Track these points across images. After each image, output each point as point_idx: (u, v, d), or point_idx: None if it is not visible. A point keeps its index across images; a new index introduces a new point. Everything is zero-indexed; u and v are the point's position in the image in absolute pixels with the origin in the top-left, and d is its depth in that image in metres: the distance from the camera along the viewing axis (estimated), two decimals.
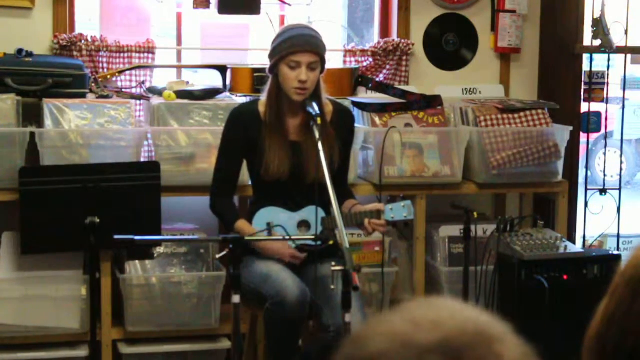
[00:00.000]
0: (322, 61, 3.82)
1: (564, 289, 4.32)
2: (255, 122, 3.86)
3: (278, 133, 3.84)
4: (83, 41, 4.61)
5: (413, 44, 5.05)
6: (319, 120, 3.67)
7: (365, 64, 4.99)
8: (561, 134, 4.80)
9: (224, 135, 3.94)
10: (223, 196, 3.94)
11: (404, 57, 5.02)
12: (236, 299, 3.34)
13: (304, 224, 3.89)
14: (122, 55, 4.68)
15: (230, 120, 3.94)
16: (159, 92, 4.50)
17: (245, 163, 3.98)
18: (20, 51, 4.39)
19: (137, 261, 4.37)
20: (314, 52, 3.77)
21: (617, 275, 1.24)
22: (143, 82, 4.69)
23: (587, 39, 5.11)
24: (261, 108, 3.89)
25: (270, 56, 3.84)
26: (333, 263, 3.26)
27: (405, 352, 0.93)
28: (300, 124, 3.85)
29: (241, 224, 3.87)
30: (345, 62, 5.00)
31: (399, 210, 3.79)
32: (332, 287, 3.32)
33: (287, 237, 3.70)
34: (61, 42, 4.58)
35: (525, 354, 0.99)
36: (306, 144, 3.80)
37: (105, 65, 4.67)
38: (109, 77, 4.65)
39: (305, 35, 3.81)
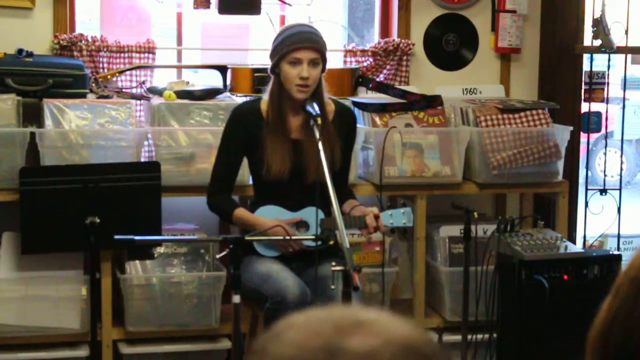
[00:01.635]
0: (324, 59, 3.82)
1: (564, 289, 4.32)
2: (257, 120, 3.86)
3: (279, 132, 3.84)
4: (83, 41, 4.61)
5: (413, 44, 5.05)
6: (319, 120, 3.67)
7: (365, 64, 4.99)
8: (561, 134, 4.80)
9: (225, 132, 3.94)
10: (220, 193, 3.94)
11: (404, 57, 5.02)
12: (236, 298, 3.34)
13: (302, 225, 3.89)
14: (122, 55, 4.68)
15: (232, 117, 3.94)
16: (159, 92, 4.50)
17: (245, 162, 3.98)
18: (20, 51, 4.39)
19: (137, 261, 4.37)
20: (314, 48, 3.77)
21: (621, 275, 1.24)
22: (143, 82, 4.69)
23: (588, 39, 5.11)
24: (263, 106, 3.89)
25: (271, 55, 3.84)
26: (333, 263, 3.26)
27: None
28: (301, 123, 3.85)
29: (240, 211, 3.87)
30: (345, 62, 5.00)
31: (398, 217, 3.80)
32: (333, 287, 3.31)
33: (287, 237, 3.70)
34: (61, 42, 4.58)
35: (402, 323, 0.99)
36: (307, 143, 3.80)
37: (105, 65, 4.67)
38: (109, 77, 4.65)
39: (305, 32, 3.81)
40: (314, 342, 0.97)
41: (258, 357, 0.99)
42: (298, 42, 3.77)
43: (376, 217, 3.74)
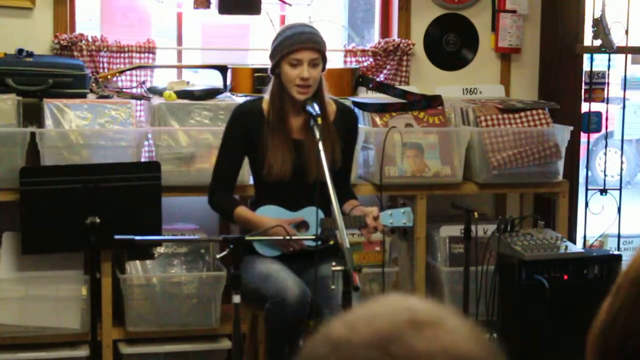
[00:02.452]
0: (324, 58, 3.82)
1: (564, 289, 4.32)
2: (258, 120, 3.86)
3: (281, 133, 3.84)
4: (83, 41, 4.61)
5: (413, 44, 5.05)
6: (319, 120, 3.67)
7: (365, 64, 4.99)
8: (562, 134, 4.79)
9: (227, 131, 3.94)
10: (222, 192, 3.94)
11: (405, 57, 5.02)
12: (236, 298, 3.34)
13: (302, 225, 3.88)
14: (122, 55, 4.68)
15: (234, 117, 3.94)
16: (159, 92, 4.50)
17: (246, 162, 3.98)
18: (20, 51, 4.39)
19: (137, 261, 4.37)
20: (314, 48, 3.77)
21: (621, 275, 1.24)
22: (143, 82, 4.69)
23: (588, 39, 5.11)
24: (265, 106, 3.89)
25: (271, 56, 3.84)
26: (333, 263, 3.26)
27: (340, 355, 0.97)
28: (302, 123, 3.85)
29: (241, 210, 3.87)
30: (345, 62, 5.00)
31: (398, 216, 3.80)
32: (333, 287, 3.32)
33: (288, 237, 3.70)
34: (62, 42, 4.58)
35: (468, 336, 0.99)
36: (308, 143, 3.79)
37: (105, 65, 4.67)
38: (109, 77, 4.65)
39: (304, 32, 3.81)
40: (383, 323, 0.99)
41: (339, 319, 1.02)
42: (298, 42, 3.76)
43: (375, 218, 3.74)
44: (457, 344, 1.00)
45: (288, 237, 3.70)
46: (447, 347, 0.98)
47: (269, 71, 3.88)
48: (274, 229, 3.73)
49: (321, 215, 3.79)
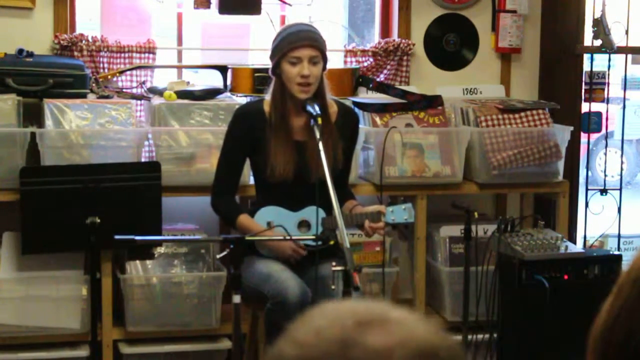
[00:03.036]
0: (324, 57, 3.82)
1: (564, 289, 4.32)
2: (260, 121, 3.86)
3: (283, 134, 3.83)
4: (84, 41, 4.61)
5: (414, 44, 5.05)
6: (319, 120, 3.67)
7: (365, 64, 4.99)
8: (562, 134, 4.79)
9: (229, 132, 3.94)
10: (225, 194, 3.94)
11: (405, 57, 5.02)
12: (237, 299, 3.34)
13: (304, 224, 3.88)
14: (122, 55, 4.68)
15: (235, 118, 3.94)
16: (159, 92, 4.50)
17: (248, 162, 3.98)
18: (20, 51, 4.39)
19: (137, 261, 4.37)
20: (313, 46, 3.77)
21: (623, 275, 1.25)
22: (144, 82, 4.69)
23: (588, 39, 5.10)
24: (266, 107, 3.89)
25: (272, 57, 3.84)
26: (334, 263, 3.26)
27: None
28: (304, 124, 3.85)
29: (243, 218, 3.87)
30: (345, 62, 5.00)
31: (399, 213, 3.80)
32: (333, 287, 3.31)
33: (288, 237, 3.70)
34: (62, 42, 4.58)
35: (419, 325, 1.00)
36: (310, 144, 3.79)
37: (105, 65, 4.67)
38: (109, 77, 4.65)
39: (303, 30, 3.81)
40: (333, 333, 0.99)
41: (284, 339, 1.04)
42: (297, 40, 3.77)
43: (380, 214, 3.74)
44: (412, 334, 0.99)
45: (288, 237, 3.70)
46: (403, 340, 0.98)
47: (269, 72, 3.88)
48: (273, 229, 3.73)
49: (323, 214, 3.79)
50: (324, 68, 3.84)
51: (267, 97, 3.90)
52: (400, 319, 1.01)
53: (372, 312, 1.01)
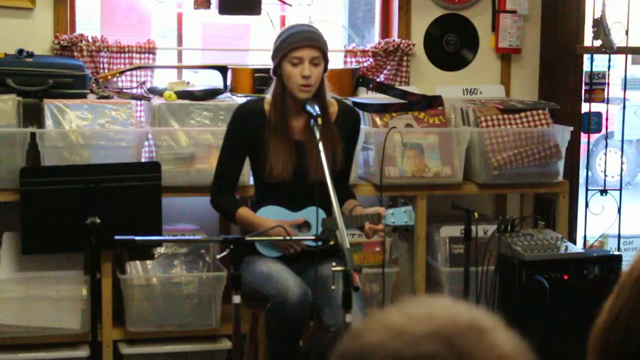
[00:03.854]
0: (325, 58, 3.82)
1: (564, 290, 4.32)
2: (260, 120, 3.86)
3: (282, 134, 3.83)
4: (84, 41, 4.61)
5: (414, 45, 5.05)
6: (319, 120, 3.67)
7: (365, 64, 4.99)
8: (562, 134, 4.79)
9: (228, 131, 3.93)
10: (224, 191, 3.94)
11: (405, 58, 5.02)
12: (237, 299, 3.34)
13: (304, 225, 3.88)
14: (122, 55, 4.68)
15: (235, 117, 3.94)
16: (159, 93, 4.50)
17: (247, 162, 3.98)
18: (20, 51, 4.39)
19: (137, 261, 4.37)
20: (314, 46, 3.77)
21: (624, 275, 1.25)
22: (144, 83, 4.69)
23: (588, 40, 5.11)
24: (266, 107, 3.88)
25: (273, 57, 3.84)
26: (334, 263, 3.26)
27: (399, 342, 0.96)
28: (304, 125, 3.84)
29: (243, 211, 3.87)
30: (345, 62, 5.00)
31: (400, 215, 3.79)
32: (333, 287, 3.32)
33: (288, 237, 3.70)
34: (62, 42, 4.58)
35: (517, 347, 1.00)
36: (310, 145, 3.79)
37: (105, 65, 4.67)
38: (109, 77, 4.65)
39: (304, 31, 3.81)
40: (445, 323, 0.99)
41: (379, 315, 1.01)
42: (298, 41, 3.76)
43: (380, 216, 3.73)
44: (511, 355, 1.01)
45: (288, 238, 3.70)
46: (502, 355, 0.99)
47: (270, 72, 3.87)
48: (274, 229, 3.73)
49: (323, 215, 3.79)
50: (325, 69, 3.84)
51: (268, 96, 3.90)
52: (507, 337, 1.04)
53: (488, 322, 1.03)
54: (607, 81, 5.18)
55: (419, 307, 1.00)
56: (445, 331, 0.97)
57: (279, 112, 3.83)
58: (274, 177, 3.82)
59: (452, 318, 0.99)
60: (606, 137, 5.78)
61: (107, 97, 4.46)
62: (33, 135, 4.21)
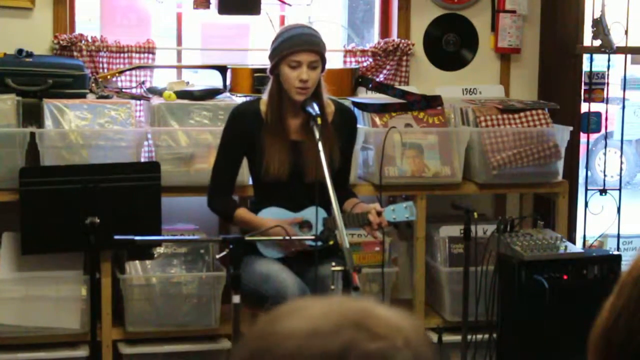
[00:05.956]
0: (323, 60, 3.82)
1: (564, 289, 4.32)
2: (256, 120, 3.86)
3: (279, 133, 3.84)
4: (83, 41, 4.61)
5: (413, 44, 5.05)
6: (318, 121, 3.67)
7: (365, 64, 4.99)
8: (561, 134, 4.80)
9: (225, 132, 3.94)
10: (221, 194, 3.94)
11: (404, 57, 5.02)
12: (236, 299, 3.34)
13: (305, 225, 3.88)
14: (122, 55, 4.68)
15: (232, 118, 3.94)
16: (159, 93, 4.50)
17: (245, 162, 3.98)
18: (20, 51, 4.39)
19: (137, 261, 4.37)
20: (314, 51, 3.77)
21: (624, 275, 1.25)
22: (143, 83, 4.69)
23: (587, 39, 5.11)
24: (262, 107, 3.89)
25: (271, 57, 3.84)
26: (333, 263, 3.26)
27: (319, 340, 1.00)
28: (301, 124, 3.85)
29: (241, 212, 3.87)
30: (345, 62, 5.00)
31: (401, 211, 3.79)
32: (332, 287, 3.31)
33: (287, 237, 3.70)
34: (61, 42, 4.58)
35: (405, 317, 1.03)
36: (306, 144, 3.79)
37: (105, 65, 4.67)
38: (109, 77, 4.65)
39: (305, 34, 3.81)
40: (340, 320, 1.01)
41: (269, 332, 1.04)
42: (297, 44, 3.76)
43: (379, 213, 3.73)
44: (403, 325, 1.02)
45: (287, 237, 3.70)
46: (398, 326, 1.01)
47: (268, 72, 3.88)
48: (274, 229, 3.73)
49: (324, 214, 3.79)
50: (323, 70, 3.84)
51: (264, 96, 3.90)
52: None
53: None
54: (606, 81, 5.18)
55: (308, 309, 1.03)
56: (351, 318, 1.00)
57: (275, 112, 3.83)
58: (270, 176, 3.82)
59: (346, 308, 1.02)
60: (605, 137, 5.78)
61: (106, 97, 4.46)
62: (32, 135, 4.21)
